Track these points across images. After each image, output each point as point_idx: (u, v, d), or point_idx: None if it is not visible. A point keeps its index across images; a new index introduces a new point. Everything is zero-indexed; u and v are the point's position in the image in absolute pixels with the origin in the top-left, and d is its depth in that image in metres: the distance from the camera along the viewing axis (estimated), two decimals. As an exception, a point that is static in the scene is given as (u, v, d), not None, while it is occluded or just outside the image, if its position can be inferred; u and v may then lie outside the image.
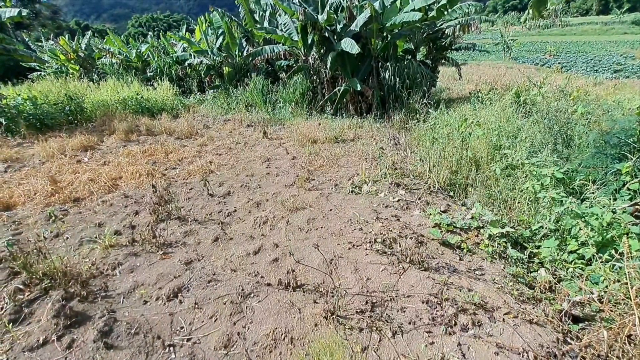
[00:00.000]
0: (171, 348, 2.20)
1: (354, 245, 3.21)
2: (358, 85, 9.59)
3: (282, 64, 12.50)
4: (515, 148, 4.44)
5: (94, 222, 4.07)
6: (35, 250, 2.98)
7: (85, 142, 7.69)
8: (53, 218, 3.92)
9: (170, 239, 3.58)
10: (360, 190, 4.47)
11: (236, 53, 13.43)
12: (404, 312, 2.43)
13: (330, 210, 3.98)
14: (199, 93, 15.70)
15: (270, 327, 2.28)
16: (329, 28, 10.52)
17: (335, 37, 10.42)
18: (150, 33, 23.54)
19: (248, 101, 12.44)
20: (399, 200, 4.06)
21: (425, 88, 9.77)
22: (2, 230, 3.99)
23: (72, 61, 18.38)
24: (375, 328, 2.24)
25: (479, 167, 4.67)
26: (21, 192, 4.87)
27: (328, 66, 9.98)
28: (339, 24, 10.61)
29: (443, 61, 13.05)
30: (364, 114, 10.13)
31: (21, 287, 2.76)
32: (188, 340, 2.27)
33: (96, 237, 3.66)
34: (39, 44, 20.98)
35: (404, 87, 9.67)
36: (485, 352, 2.14)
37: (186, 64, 15.60)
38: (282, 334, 2.23)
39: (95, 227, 3.97)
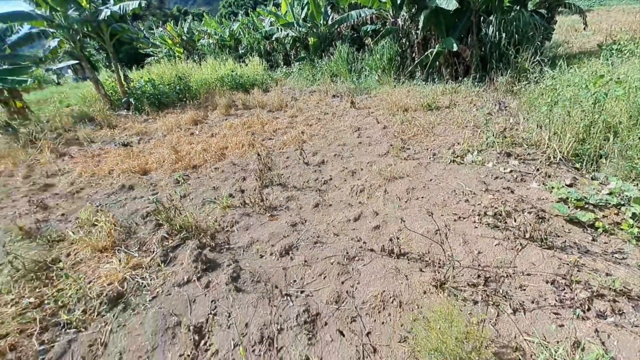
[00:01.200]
0: (288, 297, 2.43)
1: (460, 217, 3.03)
2: (454, 44, 8.69)
3: (368, 29, 11.96)
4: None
5: (210, 186, 4.63)
6: (172, 207, 3.54)
7: (194, 117, 8.67)
8: (181, 182, 4.56)
9: (274, 202, 3.88)
10: (463, 160, 4.15)
11: (321, 22, 13.32)
12: (524, 290, 2.23)
13: (430, 180, 3.80)
14: (285, 66, 16.24)
15: (377, 290, 2.34)
16: (421, -17, 9.63)
17: (428, -7, 9.51)
18: (240, 12, 24.83)
19: (333, 71, 12.40)
20: (511, 171, 3.65)
21: (538, 43, 8.34)
22: (144, 190, 4.83)
23: (177, 45, 20.60)
24: (492, 302, 2.12)
25: (617, 135, 3.87)
26: (153, 160, 5.79)
27: (420, 26, 9.22)
28: (430, -23, 9.61)
29: (561, 9, 10.89)
30: (460, 78, 9.21)
31: (166, 235, 3.33)
32: (301, 292, 2.48)
33: (215, 199, 4.18)
34: (151, 31, 23.95)
35: (511, 44, 8.41)
36: (630, 343, 1.86)
37: (273, 38, 16.12)
38: (390, 297, 2.27)
39: (212, 190, 4.52)
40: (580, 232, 2.69)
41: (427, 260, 2.57)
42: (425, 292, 2.25)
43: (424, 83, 9.58)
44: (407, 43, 10.58)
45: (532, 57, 7.70)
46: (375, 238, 2.94)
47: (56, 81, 24.14)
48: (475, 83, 8.44)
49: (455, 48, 8.69)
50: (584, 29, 12.01)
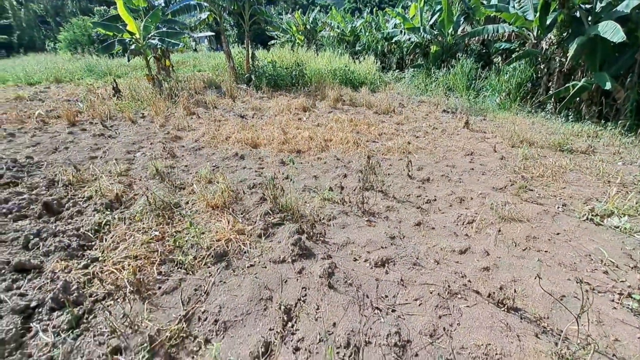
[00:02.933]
0: (378, 311, 2.34)
1: (592, 289, 2.54)
2: (608, 82, 7.41)
3: (501, 47, 10.92)
4: None
5: (311, 174, 4.78)
6: (279, 186, 3.73)
7: (304, 103, 9.07)
8: (289, 164, 4.80)
9: (373, 208, 3.81)
10: (603, 222, 3.48)
11: (449, 32, 12.63)
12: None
13: (558, 234, 3.28)
14: (397, 70, 15.92)
15: (482, 340, 2.10)
16: (583, 6, 8.38)
17: (589, 19, 8.24)
18: (365, 9, 25.09)
19: (449, 84, 11.72)
20: None
21: None
22: (253, 162, 5.23)
23: (300, 32, 21.79)
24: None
25: None
26: (264, 137, 6.23)
27: (570, 54, 8.06)
28: (600, 2, 8.26)
29: None
30: (603, 121, 7.84)
31: (269, 211, 3.53)
32: (392, 311, 2.37)
33: (315, 188, 4.30)
34: (280, 17, 25.79)
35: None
36: None
37: (393, 40, 15.90)
38: (496, 355, 2.01)
39: (313, 178, 4.66)
40: None
41: (545, 327, 2.21)
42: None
43: (553, 118, 8.41)
44: (546, 69, 9.38)
45: None
46: (483, 280, 2.65)
47: (193, 48, 27.82)
48: (624, 131, 7.07)
49: (608, 87, 7.41)
50: None
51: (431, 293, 2.49)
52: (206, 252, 2.89)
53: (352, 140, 6.13)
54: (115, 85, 9.60)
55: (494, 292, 2.47)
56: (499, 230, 3.36)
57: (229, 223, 3.31)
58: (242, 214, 3.64)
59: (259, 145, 6.00)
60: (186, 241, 3.04)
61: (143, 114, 8.14)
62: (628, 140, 6.64)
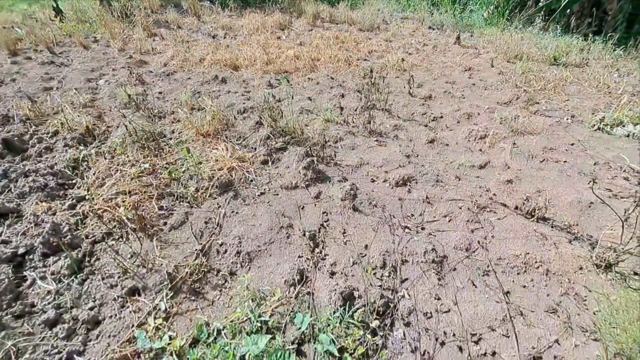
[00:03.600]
0: (407, 230, 2.22)
1: (615, 196, 2.53)
2: None
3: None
4: None
5: (305, 95, 4.33)
6: (277, 108, 3.31)
7: (280, 20, 8.05)
8: (281, 83, 4.28)
9: (380, 128, 3.53)
10: (613, 131, 3.43)
11: None
12: None
13: (572, 144, 3.20)
14: (377, -16, 14.36)
15: (519, 250, 2.05)
16: None
17: None
18: None
19: (434, -1, 10.77)
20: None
21: None
22: (237, 86, 4.65)
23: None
24: (671, 301, 1.76)
25: None
26: (244, 57, 5.50)
27: (569, -43, 7.37)
28: None
29: None
30: (592, 35, 7.57)
31: (270, 135, 3.17)
32: (422, 229, 2.25)
33: (313, 109, 3.91)
34: None
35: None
36: None
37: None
38: (535, 262, 1.97)
39: (308, 100, 4.23)
40: None
41: (577, 234, 2.19)
42: (581, 268, 1.92)
43: (542, 33, 8.03)
44: (540, -22, 8.67)
45: None
46: (507, 193, 2.56)
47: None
48: (616, 44, 6.87)
49: None
50: None
51: (460, 209, 2.37)
52: (209, 183, 2.58)
53: (342, 58, 5.56)
54: (55, 6, 7.97)
55: (522, 204, 2.39)
56: (514, 144, 3.23)
57: (227, 150, 2.95)
58: (238, 140, 3.26)
59: (239, 67, 5.31)
60: (183, 172, 2.69)
61: (95, 37, 6.92)
62: (619, 52, 6.49)
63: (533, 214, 2.31)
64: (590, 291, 1.78)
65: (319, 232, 2.22)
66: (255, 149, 3.11)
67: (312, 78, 4.91)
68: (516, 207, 2.40)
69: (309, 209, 2.41)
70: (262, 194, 2.56)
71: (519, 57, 6.25)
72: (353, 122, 3.64)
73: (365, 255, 2.04)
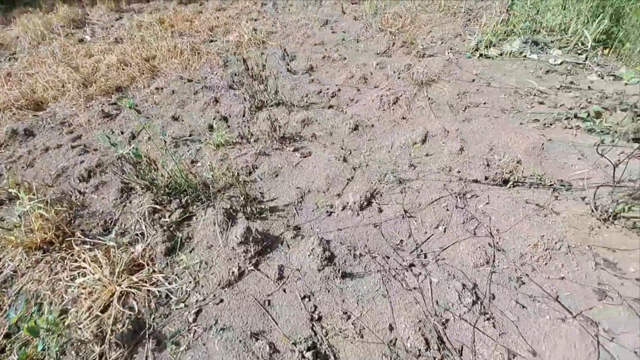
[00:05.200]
0: (413, 269, 1.71)
1: (545, 125, 2.52)
2: None
3: None
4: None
5: (167, 116, 3.14)
6: (145, 156, 2.18)
7: (70, 15, 5.85)
8: (128, 105, 2.97)
9: (289, 131, 2.79)
10: (489, 53, 3.52)
11: None
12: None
13: (473, 80, 3.13)
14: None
15: (532, 236, 1.78)
16: None
17: None
18: None
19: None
20: (561, 62, 3.19)
21: None
22: (56, 134, 3.06)
23: None
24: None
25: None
26: (45, 85, 3.69)
27: None
28: None
29: None
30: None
31: (156, 206, 2.08)
32: (425, 257, 1.78)
33: (190, 135, 2.83)
34: None
35: None
36: None
37: None
38: (554, 243, 1.73)
39: (173, 121, 3.08)
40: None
41: (554, 185, 2.06)
42: (592, 229, 1.76)
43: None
44: None
45: None
46: (467, 164, 2.27)
47: None
48: None
49: None
50: None
51: (446, 209, 1.96)
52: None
53: (184, 47, 4.30)
54: None
55: (492, 174, 2.14)
56: (429, 99, 2.97)
57: (100, 263, 1.78)
58: (106, 231, 2.07)
59: (44, 102, 3.55)
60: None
61: None
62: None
63: (507, 181, 2.07)
64: (614, 251, 1.64)
65: (315, 335, 1.50)
66: (142, 235, 2.00)
67: (161, 87, 3.63)
68: (486, 178, 2.13)
69: (279, 302, 1.63)
70: (192, 326, 1.60)
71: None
72: (251, 134, 2.77)
73: (396, 340, 1.45)
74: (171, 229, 1.99)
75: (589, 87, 2.75)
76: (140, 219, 2.04)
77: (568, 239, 1.73)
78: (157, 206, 2.07)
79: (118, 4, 6.65)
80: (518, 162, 2.21)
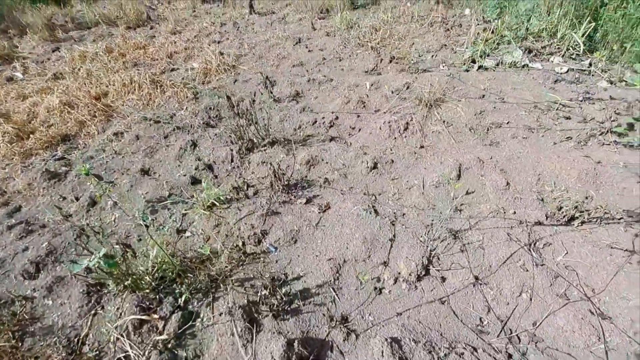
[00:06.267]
0: (508, 360, 1.30)
1: (583, 143, 2.28)
2: None
3: None
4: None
5: (133, 169, 2.53)
6: (120, 249, 1.59)
7: (-6, 49, 4.94)
8: (83, 170, 2.34)
9: (293, 177, 2.31)
10: (488, 65, 3.31)
11: None
12: None
13: (483, 96, 2.86)
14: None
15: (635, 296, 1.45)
16: None
17: None
18: None
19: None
20: (567, 70, 3.03)
21: None
22: (-22, 212, 2.32)
23: None
24: None
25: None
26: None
27: None
28: None
29: None
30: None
31: (144, 317, 1.50)
32: (535, 343, 1.38)
33: (169, 196, 2.25)
34: None
35: None
36: None
37: None
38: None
39: (143, 175, 2.47)
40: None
41: (625, 219, 1.77)
42: None
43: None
44: None
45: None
46: (520, 202, 1.93)
47: None
48: None
49: None
50: None
51: (530, 276, 1.59)
52: None
53: (143, 79, 3.67)
54: None
55: (551, 212, 1.82)
56: (444, 122, 2.65)
57: None
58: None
59: None
60: None
61: None
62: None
63: (573, 218, 1.76)
64: None
65: None
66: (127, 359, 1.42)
67: (121, 131, 3.00)
68: (547, 217, 1.80)
69: None
70: None
71: (321, 9, 5.83)
72: (248, 184, 2.26)
73: None
74: (169, 346, 1.43)
75: (610, 97, 2.57)
76: (122, 335, 1.46)
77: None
78: (144, 316, 1.49)
79: (53, 32, 5.80)
80: (570, 193, 1.91)
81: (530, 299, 1.48)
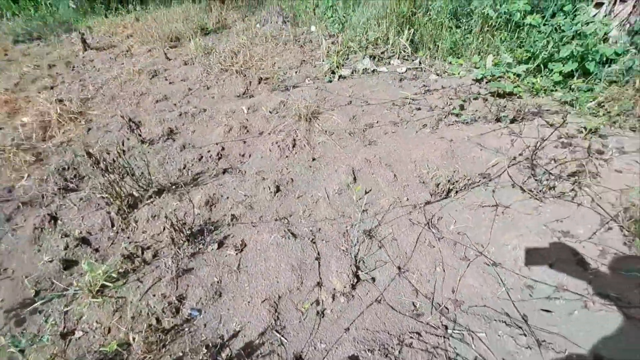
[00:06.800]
0: (454, 334, 1.49)
1: (435, 127, 2.77)
2: None
3: None
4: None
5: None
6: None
7: None
8: None
9: (195, 222, 2.10)
10: (345, 74, 3.70)
11: None
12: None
13: (351, 102, 3.18)
14: None
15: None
16: None
17: None
18: None
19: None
20: (407, 70, 3.62)
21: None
22: None
23: None
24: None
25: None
26: None
27: None
28: None
29: None
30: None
31: None
32: (460, 308, 1.59)
33: (37, 292, 1.74)
34: None
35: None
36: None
37: None
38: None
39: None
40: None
41: (482, 181, 2.24)
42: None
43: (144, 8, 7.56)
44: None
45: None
46: (409, 189, 2.22)
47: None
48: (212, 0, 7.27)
49: None
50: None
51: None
52: None
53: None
54: None
55: (436, 188, 2.15)
56: (326, 132, 2.83)
57: None
58: None
59: None
60: None
61: None
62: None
63: (450, 190, 2.13)
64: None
65: None
66: None
67: None
68: (432, 195, 2.13)
69: None
70: None
71: (170, 37, 5.52)
72: (142, 248, 1.94)
73: None
74: None
75: (442, 86, 3.20)
76: None
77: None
78: None
79: None
80: (441, 170, 2.31)
81: (444, 270, 1.71)
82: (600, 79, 3.14)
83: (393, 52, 4.13)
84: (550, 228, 1.83)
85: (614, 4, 3.43)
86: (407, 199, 2.13)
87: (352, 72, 3.75)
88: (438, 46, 4.00)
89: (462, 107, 2.91)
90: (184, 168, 2.67)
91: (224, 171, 2.60)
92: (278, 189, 2.29)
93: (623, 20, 3.43)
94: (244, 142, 2.90)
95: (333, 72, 3.75)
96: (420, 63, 3.76)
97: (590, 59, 3.17)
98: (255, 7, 6.86)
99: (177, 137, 3.06)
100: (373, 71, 3.73)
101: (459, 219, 1.95)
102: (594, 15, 3.51)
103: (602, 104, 2.81)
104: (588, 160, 2.21)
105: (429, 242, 1.83)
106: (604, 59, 3.17)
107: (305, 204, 2.20)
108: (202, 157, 2.75)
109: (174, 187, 2.40)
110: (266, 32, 5.22)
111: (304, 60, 4.30)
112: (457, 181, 2.17)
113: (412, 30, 4.13)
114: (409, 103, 3.05)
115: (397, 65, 3.79)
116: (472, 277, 1.66)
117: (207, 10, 6.83)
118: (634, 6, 3.38)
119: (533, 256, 1.68)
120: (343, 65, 3.91)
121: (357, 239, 1.81)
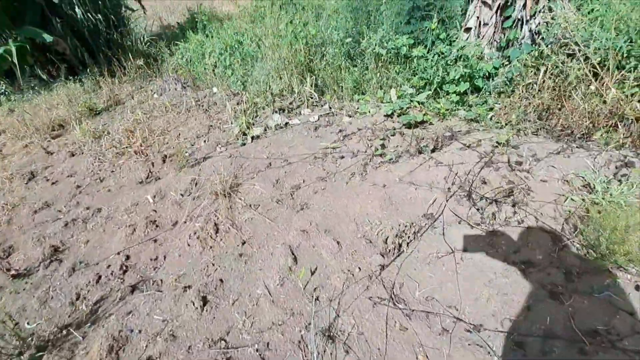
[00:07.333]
0: None
1: (363, 173, 2.62)
2: (45, 35, 6.13)
3: None
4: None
5: None
6: None
7: None
8: None
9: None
10: (257, 133, 3.45)
11: None
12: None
13: (270, 164, 2.91)
14: None
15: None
16: None
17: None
18: None
19: None
20: (319, 117, 3.51)
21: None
22: None
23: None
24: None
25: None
26: None
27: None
28: None
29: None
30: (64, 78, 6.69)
31: None
32: None
33: None
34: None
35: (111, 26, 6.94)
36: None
37: None
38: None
39: None
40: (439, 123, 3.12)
41: (426, 224, 2.09)
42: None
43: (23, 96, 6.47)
44: None
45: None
46: (356, 254, 1.95)
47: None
48: (100, 77, 6.52)
49: (48, 39, 6.10)
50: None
51: None
52: None
53: None
54: None
55: (385, 244, 1.92)
56: (250, 206, 2.48)
57: None
58: None
59: None
60: None
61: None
62: (116, 80, 6.47)
63: (401, 245, 1.92)
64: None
65: None
66: None
67: None
68: (383, 255, 1.89)
69: None
70: None
71: (51, 126, 4.74)
72: None
73: None
74: None
75: (358, 128, 3.13)
76: None
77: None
78: None
79: None
80: (383, 223, 2.11)
81: (427, 357, 1.43)
82: (489, 92, 3.41)
83: (301, 100, 4.05)
84: (511, 261, 1.71)
85: (480, 27, 3.85)
86: (359, 269, 1.86)
87: (265, 130, 3.53)
88: (342, 87, 4.03)
89: (383, 146, 2.84)
90: (77, 299, 2.04)
91: (133, 289, 2.05)
92: (206, 301, 1.83)
93: (490, 39, 3.85)
94: (155, 241, 2.39)
95: (245, 134, 3.47)
96: (330, 108, 3.71)
97: (476, 76, 3.44)
98: (150, 77, 6.35)
99: (65, 255, 2.40)
100: (286, 124, 3.56)
101: (421, 280, 1.73)
102: (467, 39, 3.89)
103: (500, 114, 2.99)
104: (514, 176, 2.22)
105: (399, 324, 1.55)
106: (487, 74, 3.48)
107: (244, 309, 1.77)
108: (100, 276, 2.16)
109: (60, 337, 1.77)
110: (165, 102, 4.79)
111: (211, 126, 3.97)
112: (404, 232, 1.98)
113: (314, 76, 4.14)
114: (331, 153, 2.88)
115: (308, 114, 3.68)
116: (459, 353, 1.41)
117: (96, 88, 6.11)
118: (494, 26, 3.83)
119: (511, 305, 1.51)
120: (254, 124, 3.66)
121: (317, 350, 1.45)
